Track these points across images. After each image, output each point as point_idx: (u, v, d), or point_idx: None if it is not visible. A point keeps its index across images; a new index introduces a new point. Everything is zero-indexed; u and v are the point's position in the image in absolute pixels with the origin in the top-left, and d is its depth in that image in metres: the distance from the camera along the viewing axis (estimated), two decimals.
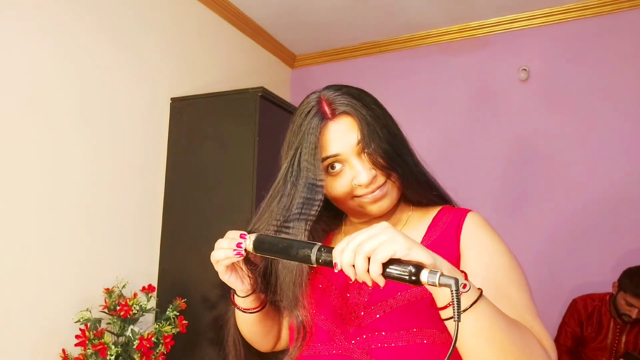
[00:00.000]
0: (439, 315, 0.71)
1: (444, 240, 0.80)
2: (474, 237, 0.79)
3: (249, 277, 0.82)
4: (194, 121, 2.27)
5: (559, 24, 2.76)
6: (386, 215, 0.85)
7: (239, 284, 0.82)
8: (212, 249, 0.86)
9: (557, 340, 2.38)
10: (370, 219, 0.85)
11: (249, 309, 0.86)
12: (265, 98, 2.17)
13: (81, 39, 1.91)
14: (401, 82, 3.09)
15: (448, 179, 0.98)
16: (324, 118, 0.78)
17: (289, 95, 3.40)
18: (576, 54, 2.70)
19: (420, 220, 0.85)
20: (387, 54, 3.17)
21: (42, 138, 1.75)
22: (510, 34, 2.87)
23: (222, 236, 0.93)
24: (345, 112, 0.78)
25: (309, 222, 0.77)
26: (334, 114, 0.78)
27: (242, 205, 2.06)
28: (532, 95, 2.77)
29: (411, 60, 3.10)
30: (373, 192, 0.78)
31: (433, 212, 0.86)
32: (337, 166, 0.79)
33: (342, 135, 0.77)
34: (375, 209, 0.80)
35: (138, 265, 2.12)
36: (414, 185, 0.82)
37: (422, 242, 0.81)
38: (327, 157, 0.78)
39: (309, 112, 0.79)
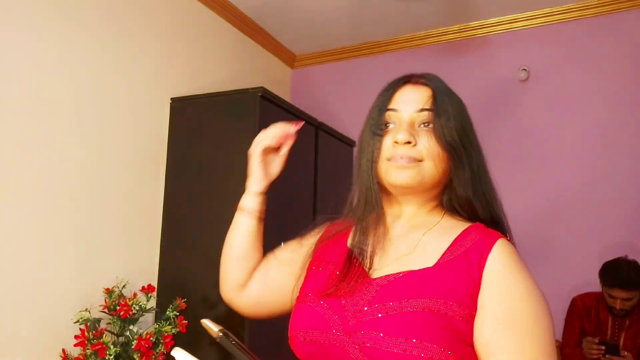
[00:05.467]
0: (444, 333, 0.69)
1: (465, 263, 0.75)
2: (499, 273, 0.73)
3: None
4: (194, 121, 2.27)
5: (559, 24, 2.76)
6: (414, 200, 0.83)
7: (263, 173, 0.91)
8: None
9: (564, 340, 2.41)
10: (396, 195, 0.84)
11: (255, 211, 0.91)
12: (265, 98, 2.17)
13: (81, 39, 1.91)
14: None
15: None
16: (404, 80, 0.84)
17: (289, 95, 3.39)
18: (576, 54, 2.70)
19: (447, 232, 0.80)
20: (387, 54, 3.17)
21: (42, 137, 1.75)
22: (510, 34, 2.87)
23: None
24: (426, 84, 0.82)
25: (373, 173, 0.81)
26: (416, 80, 0.83)
27: None
28: (532, 95, 2.77)
29: (411, 60, 3.10)
30: (402, 157, 0.78)
31: (463, 225, 0.81)
32: (391, 125, 0.82)
33: (411, 97, 0.81)
34: (396, 175, 0.79)
35: (138, 265, 2.12)
36: (460, 190, 0.80)
37: (443, 256, 0.77)
38: (387, 109, 0.82)
39: (394, 80, 0.85)
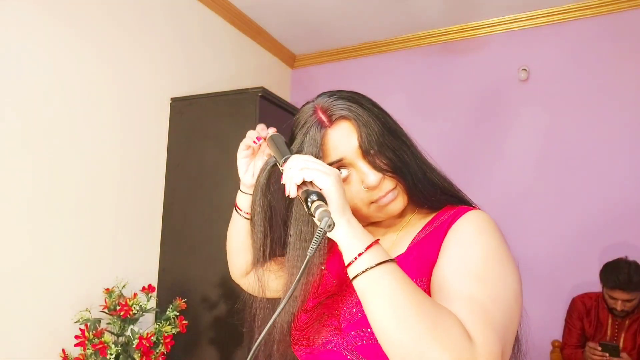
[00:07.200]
0: None
1: (435, 238, 0.77)
2: (459, 231, 0.74)
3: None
4: (194, 121, 2.27)
5: (559, 24, 2.76)
6: (397, 215, 0.83)
7: (247, 173, 0.90)
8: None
9: (564, 340, 2.41)
10: (381, 220, 0.83)
11: (245, 212, 0.91)
12: (265, 98, 2.17)
13: (80, 39, 1.91)
14: (401, 82, 3.09)
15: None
16: (322, 127, 0.76)
17: (289, 95, 3.40)
18: (576, 54, 2.71)
19: (419, 222, 0.84)
20: (387, 54, 3.17)
21: (41, 137, 1.75)
22: (510, 34, 2.87)
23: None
24: (342, 117, 0.76)
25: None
26: (331, 121, 0.76)
27: None
28: (532, 95, 2.77)
29: (411, 60, 3.10)
30: (386, 195, 0.77)
31: (433, 213, 0.84)
32: (344, 172, 0.77)
33: (343, 141, 0.76)
34: (390, 210, 0.79)
35: (138, 265, 2.12)
36: (420, 189, 0.80)
37: (414, 240, 0.80)
38: (332, 163, 0.76)
39: (306, 124, 0.78)
